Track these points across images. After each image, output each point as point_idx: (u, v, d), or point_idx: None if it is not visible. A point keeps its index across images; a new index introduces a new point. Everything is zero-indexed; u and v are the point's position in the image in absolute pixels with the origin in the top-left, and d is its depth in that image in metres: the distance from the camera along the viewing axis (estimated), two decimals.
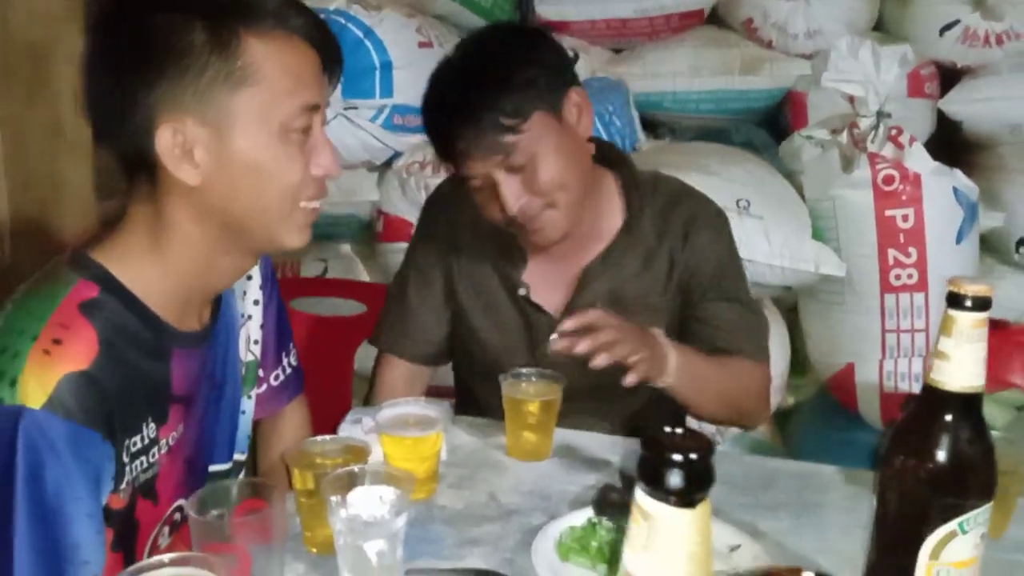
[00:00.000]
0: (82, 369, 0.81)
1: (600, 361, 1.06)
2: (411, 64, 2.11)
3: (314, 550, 0.94)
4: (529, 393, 1.16)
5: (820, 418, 2.23)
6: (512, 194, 1.18)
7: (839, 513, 1.01)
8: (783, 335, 2.21)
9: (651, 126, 2.76)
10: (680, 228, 1.33)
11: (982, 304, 0.69)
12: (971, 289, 0.69)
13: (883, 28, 2.63)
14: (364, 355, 1.67)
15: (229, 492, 0.86)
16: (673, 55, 2.64)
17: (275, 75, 0.86)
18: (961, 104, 2.47)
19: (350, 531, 0.84)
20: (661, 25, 2.64)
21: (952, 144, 2.56)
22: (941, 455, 0.71)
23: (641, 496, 0.49)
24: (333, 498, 0.85)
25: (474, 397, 1.41)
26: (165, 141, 0.85)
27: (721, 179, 1.99)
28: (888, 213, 1.95)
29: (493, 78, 1.16)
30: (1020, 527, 0.99)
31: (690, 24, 2.66)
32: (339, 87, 2.11)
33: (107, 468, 0.85)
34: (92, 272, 0.88)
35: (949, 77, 2.56)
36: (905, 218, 1.94)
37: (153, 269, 0.90)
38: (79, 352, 0.82)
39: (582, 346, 1.06)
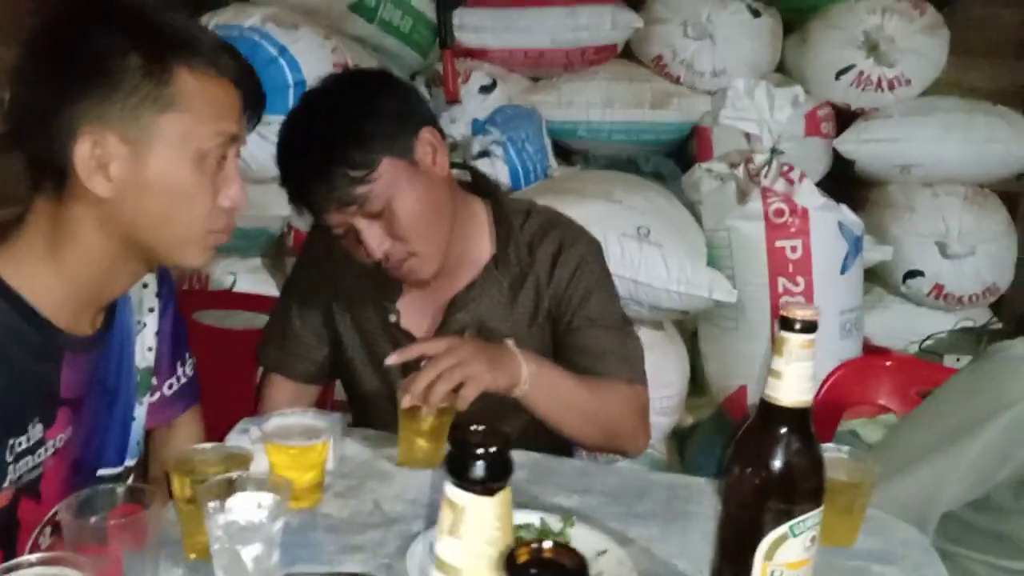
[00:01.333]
0: None
1: (425, 411, 1.11)
2: None
3: (193, 556, 0.95)
4: (424, 409, 1.15)
5: (716, 437, 2.32)
6: (374, 240, 1.22)
7: (704, 521, 1.07)
8: (683, 357, 2.31)
9: (565, 153, 2.85)
10: (547, 260, 1.35)
11: (809, 327, 0.76)
12: (800, 314, 0.76)
13: (784, 70, 2.79)
14: None
15: (106, 496, 0.88)
16: (587, 86, 2.74)
17: (199, 105, 0.92)
18: (854, 144, 2.63)
19: (227, 535, 0.86)
20: (576, 57, 2.74)
21: (846, 181, 2.72)
22: (773, 463, 0.78)
23: (448, 487, 0.55)
24: (210, 504, 0.87)
25: (365, 417, 1.44)
26: (83, 151, 0.88)
27: (623, 206, 2.08)
28: (778, 244, 2.07)
29: (336, 132, 1.19)
30: (869, 536, 1.06)
31: (604, 58, 2.77)
32: None
33: None
34: None
35: (845, 118, 2.73)
36: (794, 249, 2.06)
37: (47, 273, 0.93)
38: None
39: (406, 400, 1.11)
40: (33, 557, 0.74)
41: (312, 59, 2.11)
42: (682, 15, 2.63)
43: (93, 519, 0.84)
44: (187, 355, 1.25)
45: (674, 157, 2.83)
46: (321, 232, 1.41)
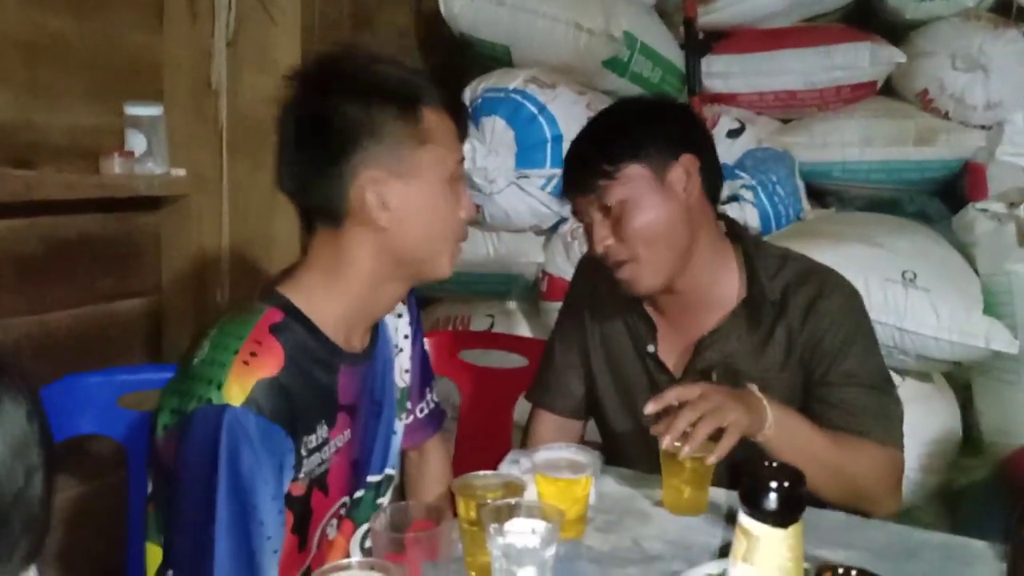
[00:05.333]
0: (272, 376, 0.99)
1: (684, 454, 1.12)
2: None
3: (473, 573, 1.05)
4: (685, 449, 1.17)
5: (993, 500, 2.11)
6: (599, 234, 1.32)
7: None
8: (954, 412, 2.14)
9: (819, 195, 2.76)
10: (801, 308, 1.35)
11: None
12: None
13: None
14: (523, 406, 1.80)
15: (406, 511, 1.00)
16: (843, 126, 2.64)
17: (441, 136, 1.10)
18: None
19: (505, 557, 0.95)
20: (832, 96, 2.65)
21: None
22: None
23: (742, 516, 0.57)
24: (492, 526, 0.96)
25: (615, 454, 1.48)
26: (368, 193, 1.05)
27: (885, 250, 1.99)
28: None
29: (603, 134, 1.37)
30: None
31: (862, 95, 2.65)
32: (513, 158, 2.30)
33: (288, 458, 1.02)
34: (279, 301, 1.08)
35: None
36: None
37: (326, 299, 1.10)
38: (270, 363, 1.00)
39: (665, 441, 1.13)
40: (352, 560, 0.86)
41: (568, 115, 2.24)
42: (950, 47, 2.46)
43: (397, 531, 0.96)
44: (433, 383, 1.41)
45: (941, 197, 2.64)
46: (583, 275, 1.54)
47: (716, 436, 1.15)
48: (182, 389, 1.00)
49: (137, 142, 1.92)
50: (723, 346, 1.38)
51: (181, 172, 1.98)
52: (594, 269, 1.50)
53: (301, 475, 1.05)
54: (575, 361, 1.53)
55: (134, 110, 1.92)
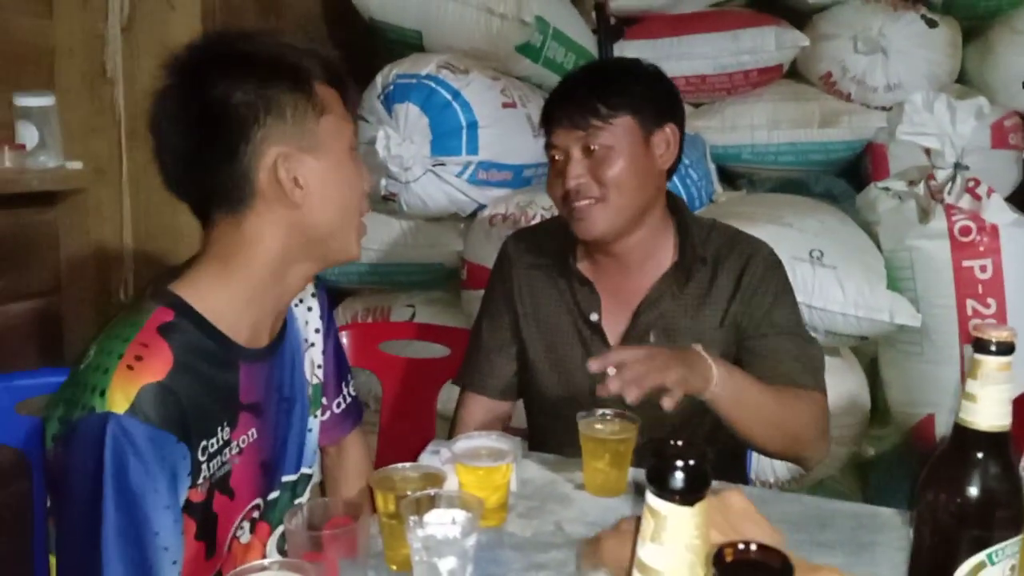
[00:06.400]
0: (159, 380, 0.94)
1: (632, 396, 1.11)
2: (496, 123, 2.24)
3: (394, 567, 1.03)
4: (606, 432, 1.21)
5: (901, 468, 2.20)
6: (575, 170, 1.37)
7: (893, 552, 1.04)
8: (862, 385, 2.21)
9: (730, 177, 2.82)
10: (734, 271, 1.43)
11: (1006, 349, 0.74)
12: (995, 335, 0.74)
13: (965, 80, 2.64)
14: (446, 396, 1.78)
15: (322, 508, 0.97)
16: (752, 109, 2.71)
17: (335, 107, 1.08)
18: None
19: (425, 549, 0.93)
20: (740, 80, 2.72)
21: None
22: (970, 490, 0.76)
23: (650, 496, 0.57)
24: (411, 518, 0.94)
25: (543, 434, 1.49)
26: (281, 171, 1.02)
27: (794, 230, 2.04)
28: (966, 264, 1.95)
29: (611, 76, 1.42)
30: None
31: (769, 79, 2.73)
32: (428, 145, 2.25)
33: (183, 466, 0.97)
34: (169, 300, 1.02)
35: None
36: (983, 268, 1.94)
37: (223, 293, 1.05)
38: (157, 366, 0.95)
39: (614, 384, 1.12)
40: (267, 561, 0.83)
41: (483, 100, 2.22)
42: (851, 30, 2.55)
43: (313, 529, 0.93)
44: (349, 376, 1.38)
45: (846, 177, 2.73)
46: (508, 255, 1.54)
47: (633, 419, 1.17)
48: (68, 397, 0.95)
49: (28, 134, 1.82)
50: (658, 306, 1.42)
51: (77, 165, 1.89)
52: (526, 243, 1.54)
53: (200, 481, 1.01)
54: (505, 341, 1.53)
55: (24, 100, 1.82)
